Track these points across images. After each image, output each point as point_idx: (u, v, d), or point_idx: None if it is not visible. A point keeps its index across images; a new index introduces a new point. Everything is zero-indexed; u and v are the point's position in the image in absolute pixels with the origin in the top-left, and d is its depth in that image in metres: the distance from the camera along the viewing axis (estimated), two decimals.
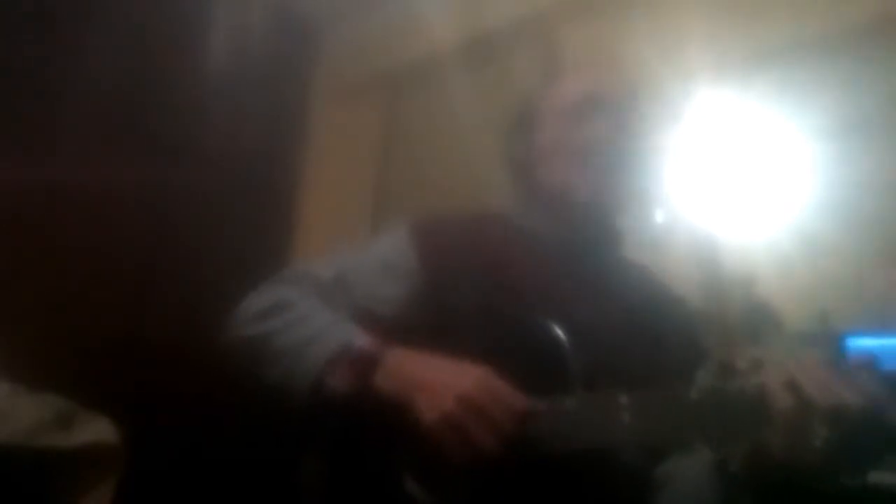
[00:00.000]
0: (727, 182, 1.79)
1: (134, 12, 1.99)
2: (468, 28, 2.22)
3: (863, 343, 1.47)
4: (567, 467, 0.77)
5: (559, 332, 0.82)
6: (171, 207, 2.02)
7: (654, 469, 0.85)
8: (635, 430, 0.74)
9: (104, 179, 1.77)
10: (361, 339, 0.85)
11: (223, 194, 2.14)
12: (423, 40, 2.28)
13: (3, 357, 1.19)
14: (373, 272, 0.98)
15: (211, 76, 2.13)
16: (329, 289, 0.96)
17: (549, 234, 1.03)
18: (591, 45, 2.03)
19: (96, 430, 1.18)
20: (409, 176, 2.46)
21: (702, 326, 1.06)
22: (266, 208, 2.32)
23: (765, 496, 0.75)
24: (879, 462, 0.73)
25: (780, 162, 1.78)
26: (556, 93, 1.11)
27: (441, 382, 0.78)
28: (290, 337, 0.88)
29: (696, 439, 0.79)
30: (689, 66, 1.74)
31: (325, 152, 2.52)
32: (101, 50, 1.90)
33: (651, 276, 1.11)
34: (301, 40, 2.58)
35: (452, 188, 2.10)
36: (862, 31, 1.72)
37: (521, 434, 0.76)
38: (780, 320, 1.55)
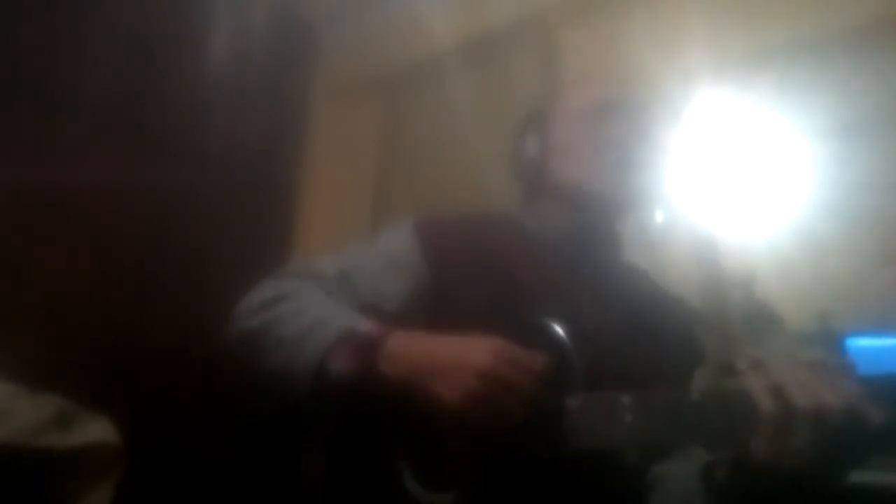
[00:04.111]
0: (727, 182, 1.79)
1: (134, 12, 1.99)
2: (468, 28, 2.23)
3: (863, 343, 1.47)
4: (569, 467, 0.77)
5: (562, 332, 0.82)
6: (171, 207, 2.02)
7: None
8: (637, 430, 0.75)
9: (104, 179, 1.77)
10: (364, 324, 0.84)
11: (223, 194, 2.14)
12: (423, 40, 2.29)
13: (3, 357, 1.19)
14: (377, 268, 0.98)
15: (211, 76, 2.13)
16: (332, 284, 0.96)
17: (555, 236, 1.04)
18: (591, 45, 2.03)
19: (96, 430, 1.18)
20: (409, 175, 2.46)
21: (702, 326, 1.06)
22: (266, 208, 2.32)
23: None
24: (860, 464, 0.73)
25: (780, 162, 1.78)
26: (571, 94, 1.13)
27: (455, 362, 0.77)
28: (292, 325, 0.88)
29: (697, 440, 0.79)
30: (689, 66, 1.74)
31: (325, 152, 2.53)
32: (102, 50, 1.90)
33: (651, 279, 1.11)
34: (301, 40, 2.59)
35: (452, 187, 2.10)
36: (861, 32, 1.72)
37: (544, 399, 0.76)
38: (780, 320, 1.56)
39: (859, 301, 1.60)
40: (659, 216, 1.15)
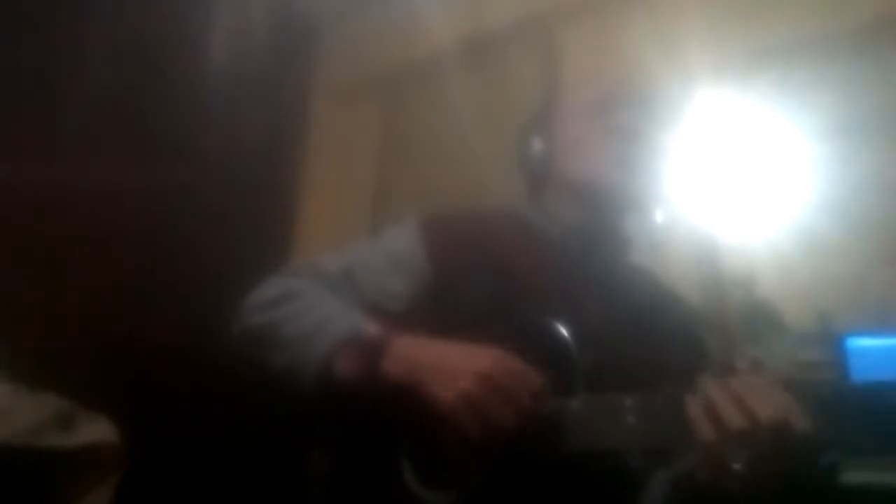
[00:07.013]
0: (727, 182, 1.79)
1: (134, 12, 1.99)
2: (468, 28, 2.23)
3: (863, 343, 1.47)
4: (571, 468, 0.77)
5: (565, 332, 0.82)
6: (171, 207, 2.02)
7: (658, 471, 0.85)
8: (640, 433, 0.74)
9: (104, 180, 1.77)
10: (369, 326, 0.84)
11: (223, 194, 2.14)
12: (423, 40, 2.29)
13: (3, 357, 1.19)
14: (381, 267, 0.98)
15: (211, 76, 2.13)
16: (336, 282, 0.96)
17: (560, 232, 1.04)
18: (591, 45, 2.03)
19: (96, 430, 1.18)
20: (409, 175, 2.46)
21: (702, 326, 1.06)
22: (266, 208, 2.32)
23: None
24: (797, 480, 0.73)
25: (780, 162, 1.78)
26: (576, 88, 1.12)
27: (456, 363, 0.78)
28: (297, 325, 0.88)
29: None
30: (689, 66, 1.74)
31: (325, 152, 2.53)
32: (102, 50, 1.90)
33: (656, 279, 1.11)
34: (301, 40, 2.59)
35: (452, 187, 2.10)
36: (862, 32, 1.72)
37: (540, 413, 0.76)
38: (781, 320, 1.55)
39: (859, 301, 1.61)
40: (659, 216, 1.14)
